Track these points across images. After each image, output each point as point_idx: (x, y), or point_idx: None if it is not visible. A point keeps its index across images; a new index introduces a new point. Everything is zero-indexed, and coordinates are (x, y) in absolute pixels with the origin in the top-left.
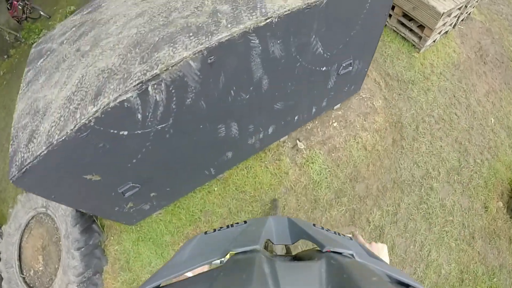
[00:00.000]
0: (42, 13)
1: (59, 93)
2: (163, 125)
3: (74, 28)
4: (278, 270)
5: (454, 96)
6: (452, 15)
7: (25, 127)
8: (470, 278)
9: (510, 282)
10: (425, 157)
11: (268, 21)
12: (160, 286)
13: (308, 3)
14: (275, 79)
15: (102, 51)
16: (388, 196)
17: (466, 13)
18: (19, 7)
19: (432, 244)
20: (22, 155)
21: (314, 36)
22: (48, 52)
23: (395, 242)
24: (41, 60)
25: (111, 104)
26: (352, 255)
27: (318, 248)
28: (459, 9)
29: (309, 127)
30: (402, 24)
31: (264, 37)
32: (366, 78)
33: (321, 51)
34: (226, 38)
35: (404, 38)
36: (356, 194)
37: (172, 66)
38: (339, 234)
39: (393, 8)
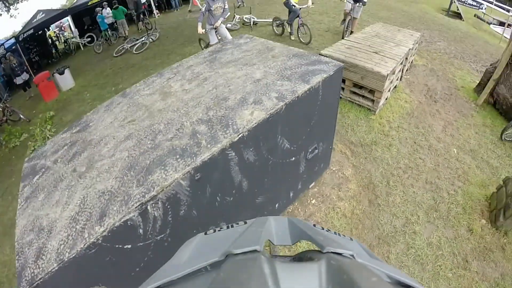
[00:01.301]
0: (21, 116)
1: (62, 213)
2: (162, 236)
3: (66, 147)
4: (278, 271)
5: (415, 142)
6: (396, 71)
7: (30, 243)
8: None
9: None
10: (402, 207)
11: (240, 136)
12: (160, 287)
13: (270, 113)
14: (253, 179)
15: (99, 173)
16: (376, 253)
17: (409, 63)
18: (0, 109)
19: (430, 282)
20: (32, 270)
21: (280, 137)
22: (43, 169)
23: None
24: (37, 177)
25: (117, 224)
26: (353, 255)
27: (318, 249)
28: (401, 63)
29: (290, 210)
30: (355, 93)
31: (238, 149)
32: (333, 152)
33: (288, 146)
34: (208, 157)
35: (359, 105)
36: None
37: (166, 187)
38: (339, 234)
39: (344, 81)
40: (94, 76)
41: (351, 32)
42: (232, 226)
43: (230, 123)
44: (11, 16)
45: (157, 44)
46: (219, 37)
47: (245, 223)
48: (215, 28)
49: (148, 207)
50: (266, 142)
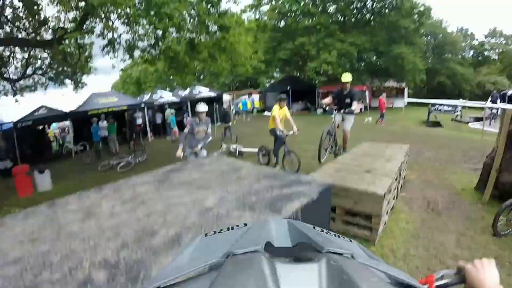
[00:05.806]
0: None
1: None
2: None
3: None
4: (277, 271)
5: (429, 269)
6: (392, 189)
7: None
8: None
9: None
10: None
11: None
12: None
13: None
14: None
15: None
16: None
17: (402, 179)
18: None
19: None
20: None
21: None
22: None
23: None
24: None
25: None
26: (352, 256)
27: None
28: (396, 179)
29: None
30: (349, 222)
31: None
32: None
33: None
34: None
35: (355, 236)
36: None
37: None
38: (339, 236)
39: (334, 210)
40: (73, 186)
41: (344, 149)
42: (232, 228)
43: (139, 277)
44: (16, 101)
45: (142, 166)
46: None
47: (245, 225)
48: (195, 153)
49: None
50: None
